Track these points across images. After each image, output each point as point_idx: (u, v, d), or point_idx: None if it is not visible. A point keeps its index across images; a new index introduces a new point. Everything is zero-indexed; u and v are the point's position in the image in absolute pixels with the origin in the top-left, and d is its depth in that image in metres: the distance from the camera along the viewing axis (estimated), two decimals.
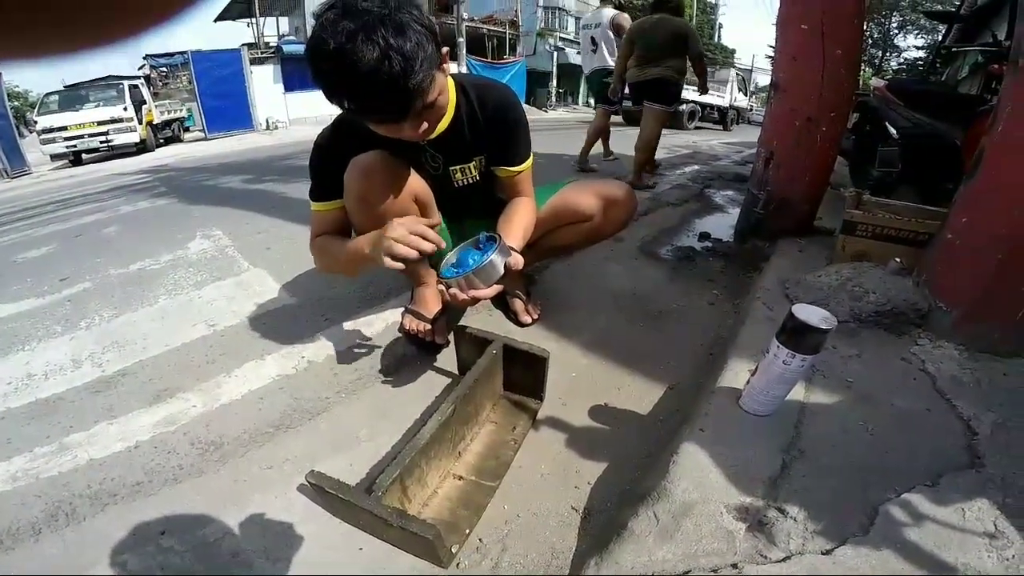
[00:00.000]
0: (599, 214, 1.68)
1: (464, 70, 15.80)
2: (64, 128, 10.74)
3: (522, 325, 1.83)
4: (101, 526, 1.09)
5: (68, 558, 1.03)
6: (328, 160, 1.37)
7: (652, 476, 1.07)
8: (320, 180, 1.42)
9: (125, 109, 11.50)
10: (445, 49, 1.15)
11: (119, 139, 11.28)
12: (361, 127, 1.20)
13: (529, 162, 1.49)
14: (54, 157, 11.05)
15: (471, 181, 1.52)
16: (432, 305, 1.63)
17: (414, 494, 1.05)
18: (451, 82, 1.35)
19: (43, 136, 10.69)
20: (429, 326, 1.59)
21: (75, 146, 10.96)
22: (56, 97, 11.57)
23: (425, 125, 1.15)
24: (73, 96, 11.77)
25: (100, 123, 11.10)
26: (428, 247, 1.16)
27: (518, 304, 1.85)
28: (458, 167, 1.48)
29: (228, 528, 1.07)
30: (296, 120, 14.96)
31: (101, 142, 11.10)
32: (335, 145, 1.37)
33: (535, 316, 1.85)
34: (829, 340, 1.37)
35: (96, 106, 11.41)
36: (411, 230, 1.15)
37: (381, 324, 1.76)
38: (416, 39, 0.98)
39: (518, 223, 1.39)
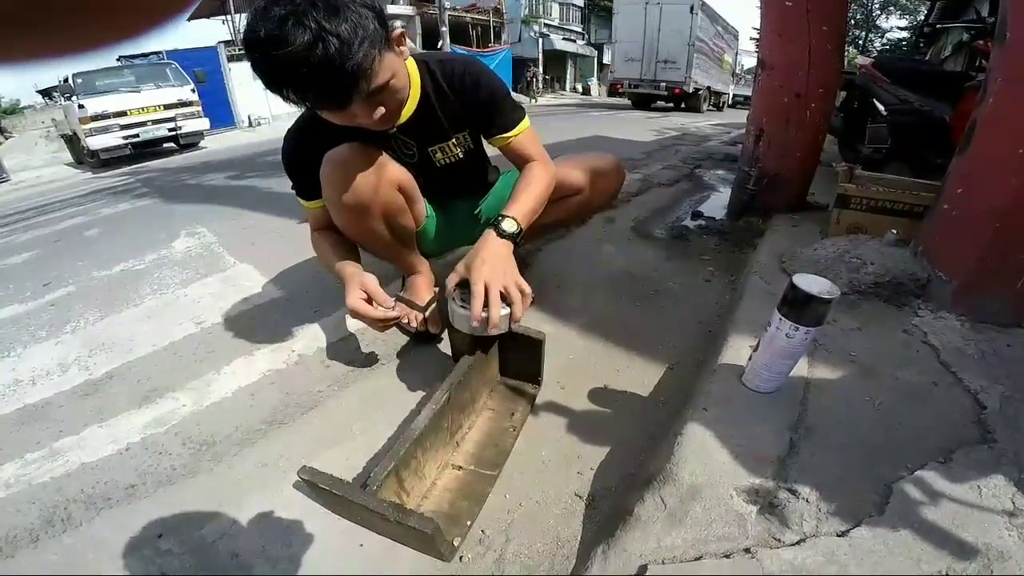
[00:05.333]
0: (588, 186, 1.66)
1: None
2: (123, 113, 8.40)
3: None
4: (98, 530, 1.07)
5: (68, 564, 1.00)
6: (300, 158, 1.34)
7: (657, 459, 1.04)
8: (300, 179, 1.40)
9: (193, 91, 9.34)
10: (398, 30, 1.11)
11: (189, 126, 9.13)
12: (327, 120, 1.16)
13: (526, 123, 1.43)
14: (104, 152, 8.42)
15: (453, 160, 1.49)
16: (424, 293, 1.61)
17: (411, 487, 1.03)
18: (412, 63, 1.31)
19: (92, 125, 8.20)
20: (421, 315, 1.56)
21: (136, 136, 8.53)
22: (97, 76, 8.80)
23: (382, 110, 1.11)
24: (119, 76, 9.03)
25: (167, 106, 8.85)
26: (377, 324, 1.32)
27: None
28: (436, 147, 1.45)
29: (225, 528, 1.05)
30: (279, 116, 14.80)
31: (169, 130, 8.87)
32: (304, 142, 1.34)
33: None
34: (830, 313, 1.36)
35: (155, 87, 9.04)
36: (365, 303, 1.28)
37: None
38: (354, 19, 0.94)
39: (528, 193, 1.34)
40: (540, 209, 1.36)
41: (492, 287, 1.12)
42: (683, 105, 13.14)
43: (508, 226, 1.24)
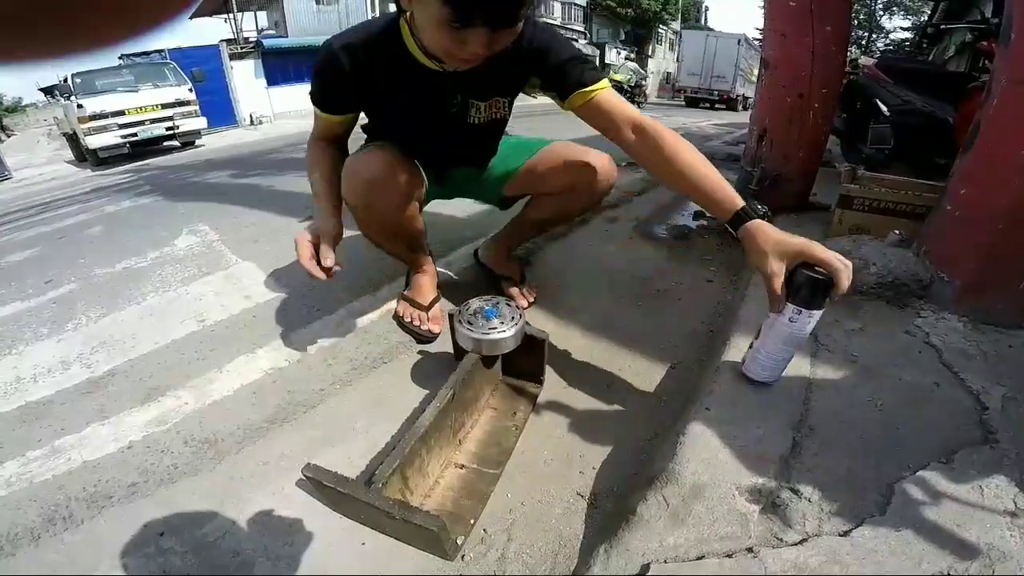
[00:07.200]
0: (578, 179, 1.57)
1: None
2: (121, 113, 8.58)
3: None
4: (99, 529, 1.06)
5: (70, 562, 1.00)
6: (341, 71, 1.25)
7: (659, 459, 1.04)
8: (327, 92, 1.33)
9: (190, 90, 9.54)
10: None
11: (186, 126, 9.32)
12: (384, 47, 1.17)
13: (607, 81, 1.28)
14: (102, 151, 8.57)
15: (483, 121, 1.41)
16: (427, 292, 1.61)
17: (415, 485, 1.03)
18: None
19: (91, 124, 8.39)
20: (424, 313, 1.56)
21: (135, 136, 8.72)
22: (96, 76, 9.01)
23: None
24: (117, 76, 9.27)
25: (164, 106, 9.05)
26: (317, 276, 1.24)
27: (513, 290, 1.78)
28: (477, 103, 1.37)
29: (227, 527, 1.05)
30: (280, 114, 14.83)
31: (167, 129, 9.07)
32: (354, 59, 1.25)
33: (531, 299, 1.79)
34: (832, 314, 1.36)
35: (153, 86, 9.25)
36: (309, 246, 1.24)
37: (375, 312, 1.73)
38: None
39: (711, 170, 1.15)
40: None
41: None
42: (726, 106, 18.48)
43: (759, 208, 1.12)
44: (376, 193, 1.30)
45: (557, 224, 1.84)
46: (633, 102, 13.07)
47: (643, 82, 15.46)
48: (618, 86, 13.11)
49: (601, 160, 1.56)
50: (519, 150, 1.60)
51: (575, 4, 27.39)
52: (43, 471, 1.20)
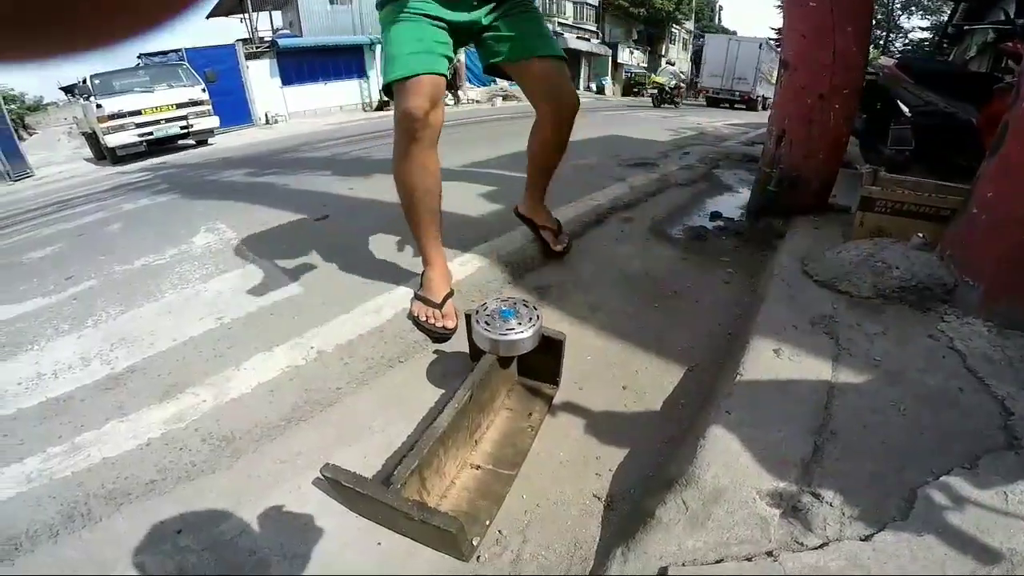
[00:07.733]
0: (549, 99, 1.75)
1: (462, 59, 15.96)
2: (138, 112, 8.85)
3: (553, 252, 2.07)
4: (117, 526, 1.07)
5: (87, 559, 1.01)
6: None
7: (678, 461, 1.04)
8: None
9: (203, 90, 9.86)
10: None
11: (200, 125, 9.62)
12: None
13: None
14: (120, 149, 8.83)
15: None
16: (439, 289, 1.61)
17: (432, 486, 1.03)
18: None
19: (109, 124, 8.65)
20: (437, 310, 1.56)
21: (151, 134, 9.00)
22: (113, 77, 9.33)
23: None
24: (134, 77, 9.62)
25: (179, 106, 9.35)
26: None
27: (549, 234, 2.03)
28: None
29: (244, 525, 1.05)
30: (295, 113, 14.92)
31: (182, 128, 9.36)
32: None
33: (564, 246, 2.06)
34: (854, 317, 1.34)
35: (168, 87, 9.55)
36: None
37: (390, 311, 1.73)
38: None
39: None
40: None
41: None
42: (746, 106, 18.78)
43: None
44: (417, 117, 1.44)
45: (548, 151, 1.90)
46: (672, 102, 15.52)
47: (681, 85, 16.93)
48: (660, 87, 15.43)
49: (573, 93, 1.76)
50: (531, 43, 1.67)
51: (587, 3, 27.27)
52: (63, 468, 1.21)
